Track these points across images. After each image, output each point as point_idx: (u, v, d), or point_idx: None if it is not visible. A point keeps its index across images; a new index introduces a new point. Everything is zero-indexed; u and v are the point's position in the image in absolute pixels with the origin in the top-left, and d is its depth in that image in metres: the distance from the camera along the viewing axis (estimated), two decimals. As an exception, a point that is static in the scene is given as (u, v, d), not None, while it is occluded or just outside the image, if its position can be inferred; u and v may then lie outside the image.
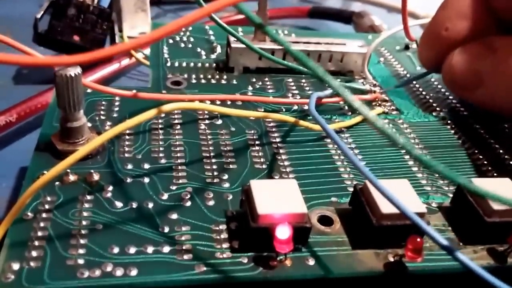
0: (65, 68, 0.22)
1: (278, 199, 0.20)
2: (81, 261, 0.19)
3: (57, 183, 0.22)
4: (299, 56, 0.18)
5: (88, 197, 0.22)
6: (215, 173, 0.24)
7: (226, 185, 0.24)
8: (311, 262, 0.20)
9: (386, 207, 0.20)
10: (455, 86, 0.30)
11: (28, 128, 0.34)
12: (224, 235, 0.21)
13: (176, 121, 0.28)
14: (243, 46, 0.31)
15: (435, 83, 0.35)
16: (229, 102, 0.30)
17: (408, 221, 0.20)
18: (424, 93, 0.34)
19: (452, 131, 0.30)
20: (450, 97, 0.34)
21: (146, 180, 0.23)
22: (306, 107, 0.30)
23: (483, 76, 0.28)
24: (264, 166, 0.25)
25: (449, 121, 0.31)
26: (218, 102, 0.30)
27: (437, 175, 0.26)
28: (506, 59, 0.27)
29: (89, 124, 0.26)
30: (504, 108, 0.28)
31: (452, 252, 0.18)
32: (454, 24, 0.30)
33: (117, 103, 0.29)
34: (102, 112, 0.28)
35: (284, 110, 0.30)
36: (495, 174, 0.27)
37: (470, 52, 0.29)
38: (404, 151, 0.27)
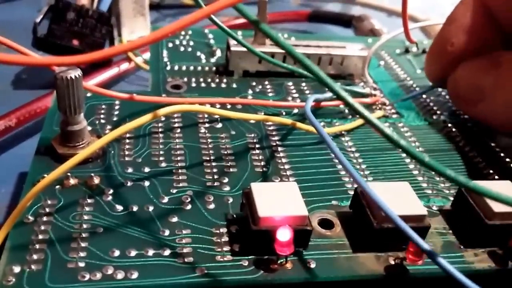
0: (65, 70, 0.22)
1: (279, 201, 0.20)
2: (82, 264, 0.19)
3: (57, 186, 0.22)
4: (300, 57, 0.18)
5: (89, 201, 0.22)
6: (216, 177, 0.24)
7: (227, 188, 0.24)
8: (312, 265, 0.20)
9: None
10: (459, 100, 0.30)
11: (27, 133, 0.34)
12: (224, 238, 0.21)
13: (176, 125, 0.28)
14: (243, 49, 0.31)
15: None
16: (229, 106, 0.30)
17: (409, 224, 0.20)
18: (424, 96, 0.34)
19: (453, 135, 0.30)
20: (450, 100, 0.34)
21: (147, 183, 0.23)
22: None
23: (485, 90, 0.28)
24: (264, 170, 0.25)
25: (449, 125, 0.31)
26: (218, 106, 0.30)
27: (437, 179, 0.26)
28: (509, 74, 0.27)
29: (89, 128, 0.26)
30: (504, 124, 0.28)
31: (434, 257, 0.18)
32: (459, 39, 0.30)
33: (117, 107, 0.29)
34: (102, 116, 0.28)
35: (284, 113, 0.30)
36: (496, 177, 0.27)
37: (474, 66, 0.29)
38: (404, 154, 0.28)
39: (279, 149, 0.27)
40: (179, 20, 0.17)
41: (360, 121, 0.29)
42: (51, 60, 0.18)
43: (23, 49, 0.25)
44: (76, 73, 0.22)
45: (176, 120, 0.28)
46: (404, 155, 0.28)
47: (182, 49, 0.37)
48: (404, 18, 0.33)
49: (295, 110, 0.30)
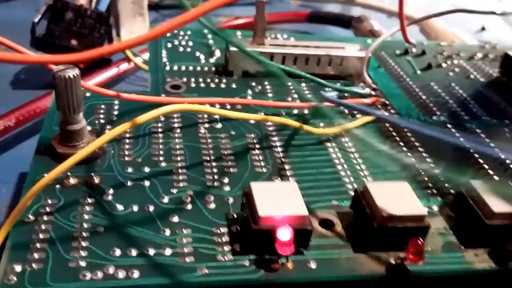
0: (63, 70, 0.22)
1: (279, 201, 0.20)
2: (83, 263, 0.19)
3: (57, 186, 0.22)
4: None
5: (89, 200, 0.22)
6: (216, 177, 0.24)
7: (227, 188, 0.24)
8: (313, 265, 0.20)
9: (387, 210, 0.20)
10: None
11: (27, 133, 0.34)
12: (225, 238, 0.21)
13: (176, 125, 0.28)
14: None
15: (435, 87, 0.36)
16: (228, 106, 0.30)
17: (409, 224, 0.20)
18: (424, 97, 0.34)
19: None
20: (450, 101, 0.34)
21: (147, 183, 0.23)
22: (306, 111, 0.30)
23: None
24: (264, 170, 0.25)
25: (449, 125, 0.31)
26: (217, 106, 0.30)
27: (437, 179, 0.26)
28: None
29: (89, 128, 0.26)
30: None
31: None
32: None
33: (116, 107, 0.29)
34: (101, 116, 0.28)
35: (284, 114, 0.30)
36: (495, 178, 0.27)
37: None
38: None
39: (279, 149, 0.27)
40: (176, 18, 0.17)
41: (360, 121, 0.29)
42: (47, 58, 0.18)
43: (21, 47, 0.25)
44: (74, 72, 0.22)
45: (176, 120, 0.28)
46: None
47: (181, 49, 0.37)
48: (401, 19, 0.33)
49: (295, 111, 0.30)
